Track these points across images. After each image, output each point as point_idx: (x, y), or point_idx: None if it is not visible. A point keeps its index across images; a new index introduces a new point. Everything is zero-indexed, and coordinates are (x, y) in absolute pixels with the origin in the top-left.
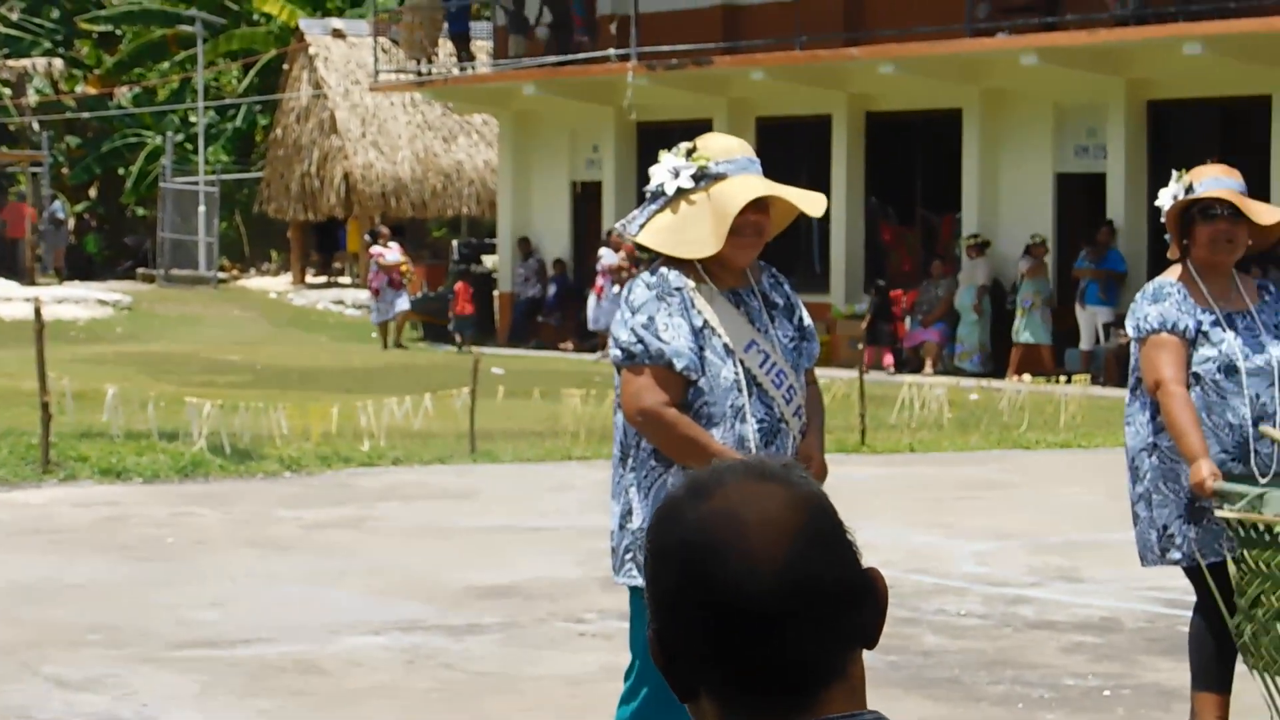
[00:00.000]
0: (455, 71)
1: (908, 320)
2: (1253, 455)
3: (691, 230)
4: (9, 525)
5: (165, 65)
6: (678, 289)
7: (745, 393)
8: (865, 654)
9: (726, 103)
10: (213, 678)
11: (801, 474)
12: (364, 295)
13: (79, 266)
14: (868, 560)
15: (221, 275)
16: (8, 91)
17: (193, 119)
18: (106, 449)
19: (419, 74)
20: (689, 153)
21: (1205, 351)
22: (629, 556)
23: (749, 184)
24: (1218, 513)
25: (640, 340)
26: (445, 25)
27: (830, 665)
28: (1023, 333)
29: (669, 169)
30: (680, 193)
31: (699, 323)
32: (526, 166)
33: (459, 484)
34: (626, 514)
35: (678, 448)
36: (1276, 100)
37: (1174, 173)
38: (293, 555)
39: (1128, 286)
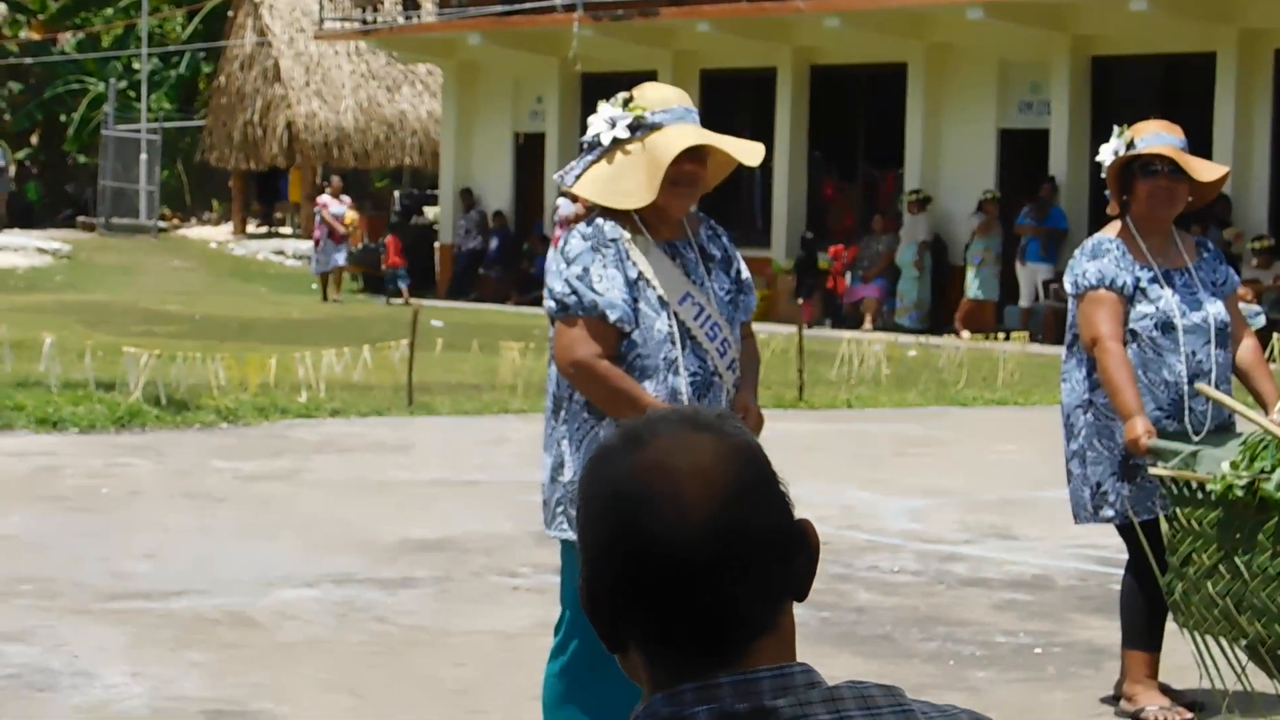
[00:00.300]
0: (400, 20)
1: (848, 276)
2: (1187, 413)
3: (627, 180)
4: None
5: (109, 11)
6: (613, 240)
7: (679, 345)
8: (797, 610)
9: (671, 55)
10: (144, 630)
11: (736, 424)
12: (305, 246)
13: (19, 214)
14: (801, 515)
15: (162, 224)
16: None
17: (136, 66)
18: (43, 399)
19: (364, 23)
20: (625, 103)
21: (1142, 308)
22: (560, 510)
23: (684, 133)
24: (1151, 470)
25: (574, 291)
26: None
27: (759, 617)
28: (973, 288)
29: (605, 119)
30: (616, 143)
31: (633, 274)
32: (470, 117)
33: (396, 437)
34: (558, 467)
35: (609, 400)
36: (1220, 57)
37: (1115, 128)
38: (227, 507)
39: (1068, 244)
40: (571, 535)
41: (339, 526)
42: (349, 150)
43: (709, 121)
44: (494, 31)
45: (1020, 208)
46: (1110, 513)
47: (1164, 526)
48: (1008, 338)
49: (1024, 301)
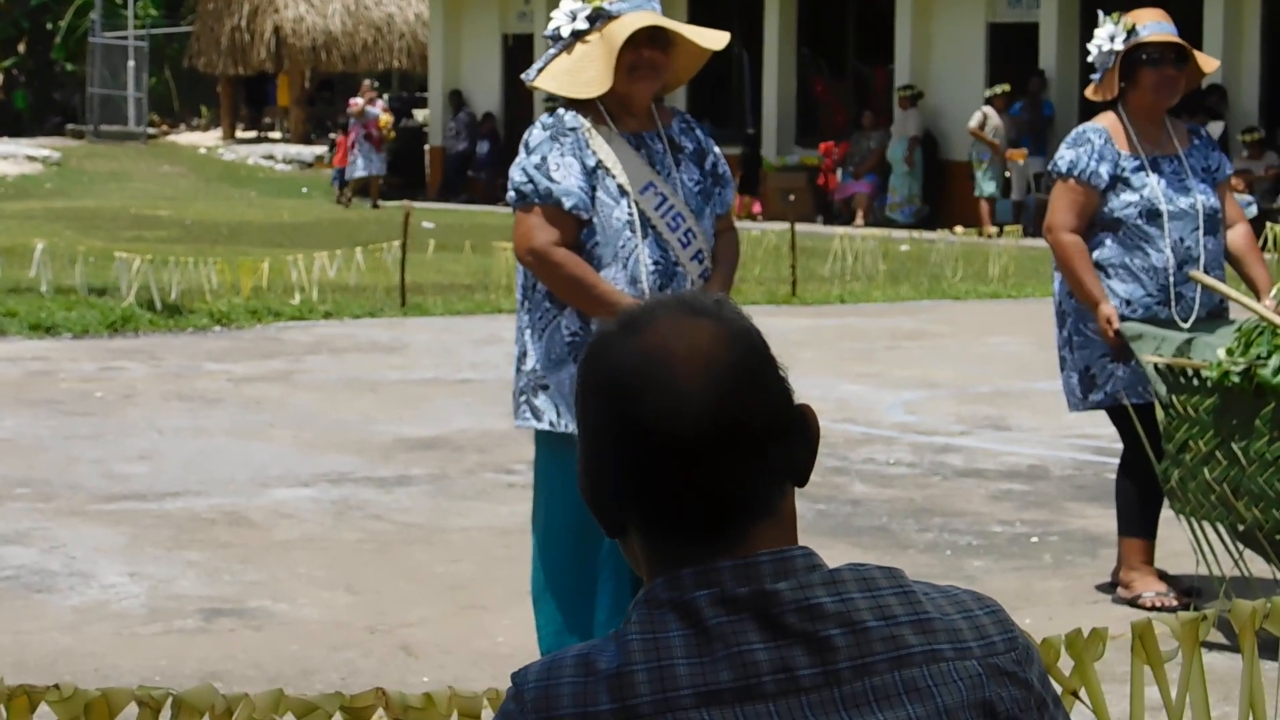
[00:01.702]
0: None
1: (839, 172)
2: (1175, 300)
3: (587, 70)
4: None
5: None
6: (572, 129)
7: (638, 233)
8: (795, 501)
9: None
10: (141, 530)
11: (733, 310)
12: (295, 150)
13: (7, 122)
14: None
15: (151, 131)
16: None
17: None
18: (35, 304)
19: None
20: None
21: (1126, 196)
22: (524, 399)
23: (639, 18)
24: (1144, 358)
25: (530, 180)
26: None
27: (758, 501)
28: (984, 185)
29: (566, 13)
30: (576, 35)
31: (592, 163)
32: (457, 19)
33: (388, 337)
34: (521, 356)
35: (566, 287)
36: None
37: (1103, 16)
38: (221, 409)
39: (1055, 135)
40: (533, 424)
41: (333, 426)
42: (337, 54)
43: (697, 20)
44: None
45: (1010, 102)
46: (1099, 395)
47: (1159, 414)
48: (1000, 231)
49: (1015, 195)
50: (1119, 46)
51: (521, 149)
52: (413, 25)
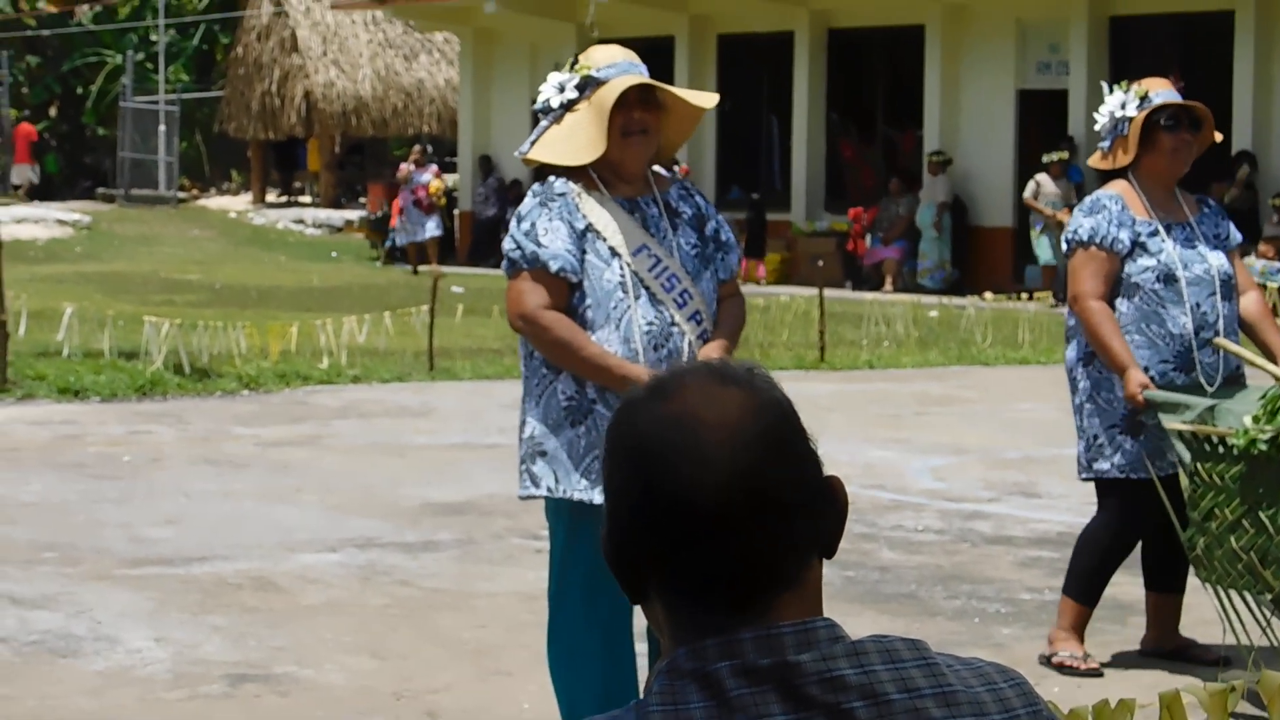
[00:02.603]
0: None
1: (868, 238)
2: (1198, 365)
3: (578, 137)
4: None
5: None
6: (561, 194)
7: (630, 294)
8: (822, 572)
9: (688, 19)
10: (167, 595)
11: (765, 379)
12: (325, 215)
13: (39, 186)
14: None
15: (181, 195)
16: None
17: (153, 37)
18: (64, 368)
19: None
20: (573, 65)
21: (1144, 261)
22: (524, 467)
23: (628, 80)
24: (1170, 425)
25: (519, 246)
26: None
27: (782, 573)
28: (1041, 252)
29: (555, 84)
30: (566, 106)
31: (581, 225)
32: (487, 84)
33: (417, 401)
34: (521, 424)
35: (556, 350)
36: (1239, 15)
37: (1109, 87)
38: (249, 472)
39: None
40: (533, 490)
41: (361, 490)
42: (367, 119)
43: (727, 86)
44: None
45: (1038, 168)
46: (1105, 465)
47: (1184, 481)
48: (1030, 297)
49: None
50: (1131, 112)
51: (513, 219)
52: (443, 90)
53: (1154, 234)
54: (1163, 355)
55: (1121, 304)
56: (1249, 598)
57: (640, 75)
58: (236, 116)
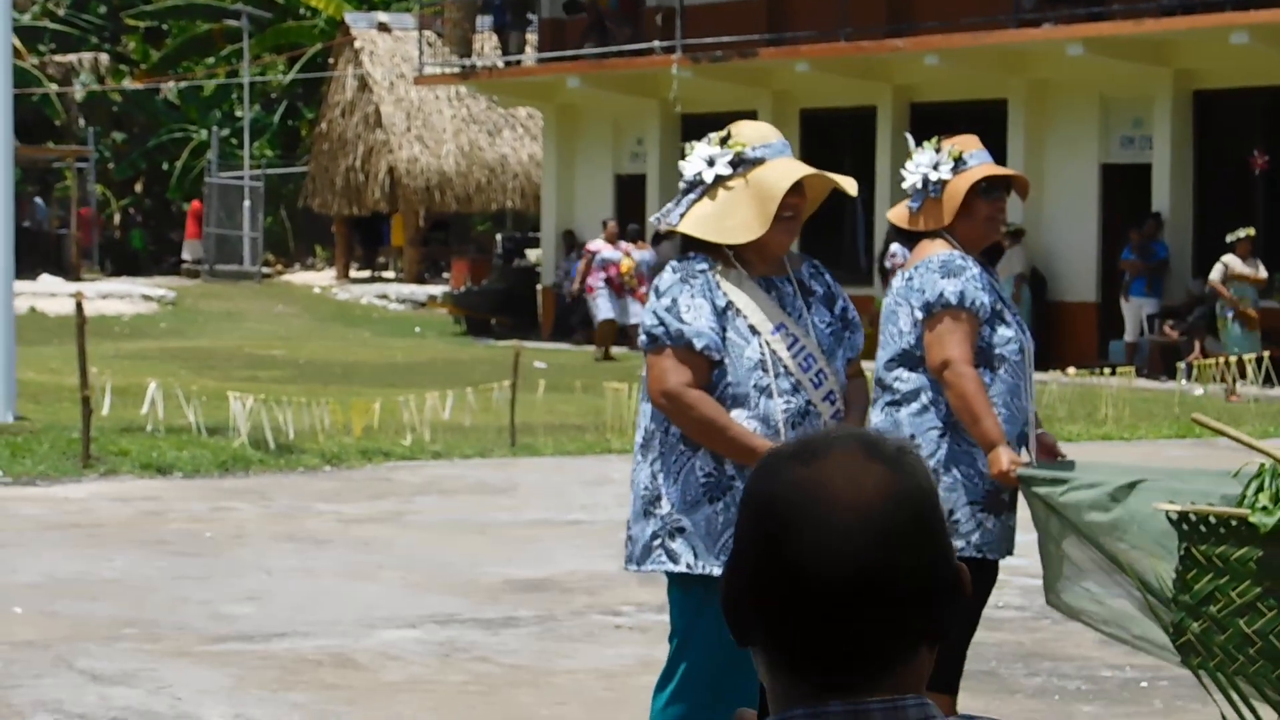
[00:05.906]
0: (500, 64)
1: None
2: (1030, 440)
3: (733, 216)
4: (48, 519)
5: (211, 60)
6: (701, 270)
7: (770, 372)
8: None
9: (770, 95)
10: (247, 671)
11: (914, 460)
12: (408, 290)
13: (124, 262)
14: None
15: (266, 270)
16: (55, 87)
17: (238, 114)
18: (147, 444)
19: (464, 67)
20: (723, 140)
21: (1004, 332)
22: (657, 544)
23: (790, 166)
24: (1164, 508)
25: (662, 322)
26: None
27: (885, 659)
28: (1231, 345)
29: (704, 158)
30: (718, 180)
31: (722, 303)
32: (570, 159)
33: (498, 477)
34: (654, 500)
35: (699, 428)
36: None
37: (915, 143)
38: (330, 549)
39: (1171, 277)
40: (669, 566)
41: (441, 567)
42: (451, 194)
43: (810, 161)
44: (593, 74)
45: (1122, 243)
46: (961, 543)
47: (1161, 566)
48: (1113, 373)
49: (1129, 336)
50: (946, 175)
51: (652, 294)
52: (526, 165)
53: (1001, 302)
54: (1016, 430)
55: (985, 375)
56: (1253, 684)
57: (795, 160)
58: (321, 192)
